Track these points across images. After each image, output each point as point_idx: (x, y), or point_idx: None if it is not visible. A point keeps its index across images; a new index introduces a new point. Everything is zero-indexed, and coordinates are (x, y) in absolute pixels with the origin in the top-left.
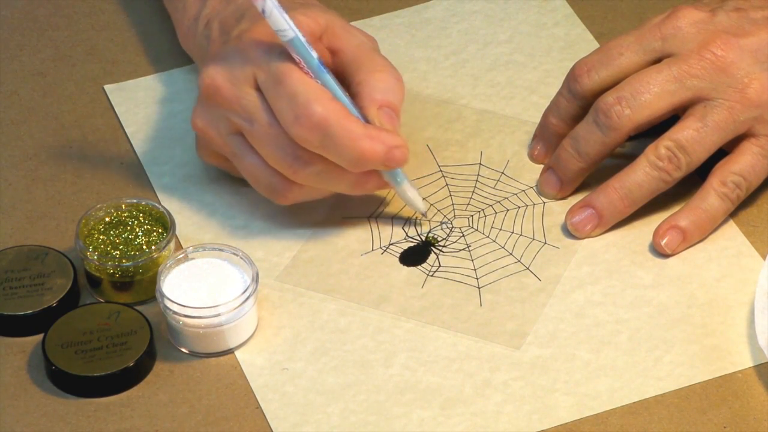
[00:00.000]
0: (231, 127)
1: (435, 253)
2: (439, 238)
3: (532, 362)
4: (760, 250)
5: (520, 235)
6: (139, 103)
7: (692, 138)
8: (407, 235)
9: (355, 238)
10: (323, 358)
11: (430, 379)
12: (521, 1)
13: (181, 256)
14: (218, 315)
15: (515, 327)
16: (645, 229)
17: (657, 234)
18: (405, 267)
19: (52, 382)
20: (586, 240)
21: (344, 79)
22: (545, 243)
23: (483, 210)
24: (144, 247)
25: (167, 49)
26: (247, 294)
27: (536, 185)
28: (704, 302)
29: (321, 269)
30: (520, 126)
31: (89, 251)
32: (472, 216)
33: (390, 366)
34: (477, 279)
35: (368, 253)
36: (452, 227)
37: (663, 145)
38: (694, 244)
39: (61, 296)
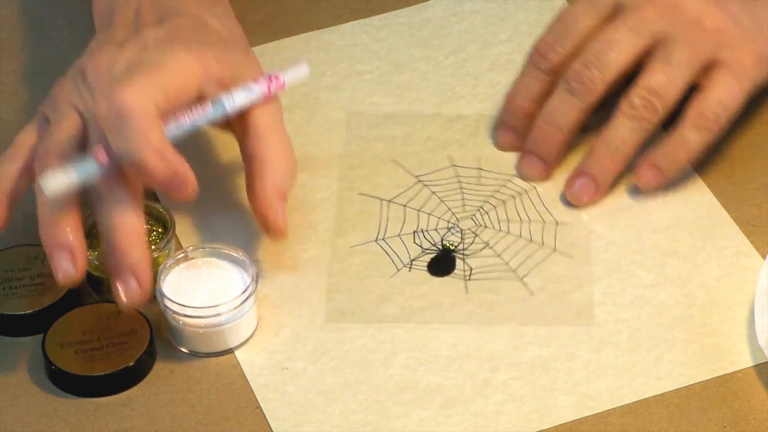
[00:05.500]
0: (81, 105)
1: (459, 258)
2: (456, 243)
3: (532, 362)
4: (760, 250)
5: (530, 221)
6: None
7: (661, 81)
8: (422, 248)
9: (374, 262)
10: (323, 358)
11: (430, 379)
12: (521, 1)
13: (181, 256)
14: (218, 315)
15: (579, 304)
16: (645, 228)
17: (635, 172)
18: (437, 279)
19: (52, 382)
20: (585, 239)
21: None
22: (557, 222)
23: (481, 207)
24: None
25: None
26: (247, 294)
27: (518, 172)
28: (704, 302)
29: (363, 300)
30: (481, 121)
31: (89, 251)
32: (474, 215)
33: (390, 366)
34: (514, 271)
35: (396, 274)
36: (461, 230)
37: (635, 94)
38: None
39: (61, 296)
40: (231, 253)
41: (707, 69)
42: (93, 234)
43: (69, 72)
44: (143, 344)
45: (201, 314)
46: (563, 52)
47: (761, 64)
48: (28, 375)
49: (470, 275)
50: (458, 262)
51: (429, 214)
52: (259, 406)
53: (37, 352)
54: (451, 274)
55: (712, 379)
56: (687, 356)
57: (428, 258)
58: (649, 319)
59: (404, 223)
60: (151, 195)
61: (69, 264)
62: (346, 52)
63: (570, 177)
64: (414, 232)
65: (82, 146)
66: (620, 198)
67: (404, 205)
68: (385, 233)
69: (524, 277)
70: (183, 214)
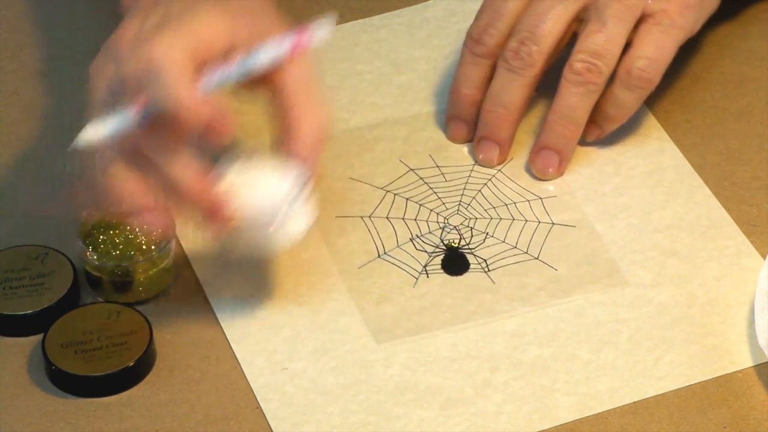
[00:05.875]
0: (115, 77)
1: (467, 253)
2: (457, 240)
3: (532, 362)
4: (760, 250)
5: (514, 202)
6: None
7: (599, 41)
8: (428, 253)
9: (390, 278)
10: (323, 358)
11: (430, 379)
12: None
13: (226, 162)
14: (274, 214)
15: (604, 269)
16: (645, 228)
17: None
18: (459, 277)
19: (52, 382)
20: (583, 236)
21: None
22: (541, 198)
23: (460, 201)
24: (144, 247)
25: None
26: (295, 187)
27: (475, 160)
28: (704, 302)
29: (403, 316)
30: (423, 120)
31: (89, 251)
32: (458, 210)
33: (390, 366)
34: (526, 252)
35: (416, 283)
36: (455, 226)
37: (576, 60)
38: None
39: (61, 296)
40: (274, 157)
41: (639, 22)
42: (93, 234)
43: (98, 56)
44: (143, 344)
45: (257, 213)
46: (497, 34)
47: (688, 12)
48: (28, 375)
49: (488, 267)
50: (470, 258)
51: (415, 220)
52: (259, 406)
53: (37, 352)
54: (470, 270)
55: (712, 379)
56: (687, 356)
57: (438, 261)
58: (649, 319)
59: (396, 234)
60: None
61: (158, 218)
62: (346, 52)
63: (531, 153)
64: (411, 240)
65: None
66: (620, 198)
67: (387, 218)
68: (384, 248)
69: (539, 255)
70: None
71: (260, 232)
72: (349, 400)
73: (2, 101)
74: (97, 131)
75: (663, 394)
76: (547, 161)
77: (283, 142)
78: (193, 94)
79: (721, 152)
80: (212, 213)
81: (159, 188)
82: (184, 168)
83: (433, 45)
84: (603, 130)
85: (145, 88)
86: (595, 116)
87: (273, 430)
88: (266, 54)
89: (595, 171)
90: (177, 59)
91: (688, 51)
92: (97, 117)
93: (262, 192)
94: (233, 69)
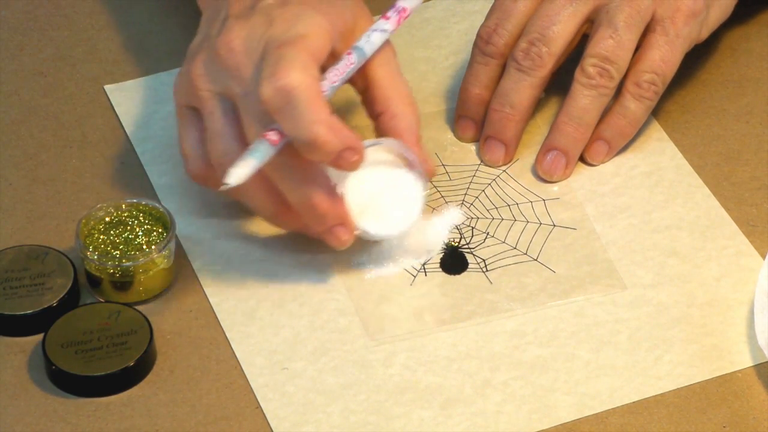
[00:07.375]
0: (225, 88)
1: (467, 253)
2: (457, 239)
3: (532, 362)
4: (760, 249)
5: (517, 203)
6: (139, 103)
7: (610, 46)
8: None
9: (388, 274)
10: (323, 358)
11: (430, 379)
12: None
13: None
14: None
15: (602, 271)
16: (645, 228)
17: (585, 148)
18: (457, 276)
19: (52, 381)
20: (584, 238)
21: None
22: (543, 200)
23: (463, 200)
24: (144, 247)
25: (167, 49)
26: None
27: (481, 159)
28: (704, 302)
29: (398, 314)
30: (424, 121)
31: (89, 251)
32: (460, 210)
33: (390, 366)
34: (526, 253)
35: (414, 281)
36: (456, 225)
37: (588, 64)
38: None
39: (61, 296)
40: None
41: (647, 29)
42: (93, 234)
43: (195, 57)
44: (143, 344)
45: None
46: (507, 35)
47: (693, 20)
48: (28, 375)
49: (486, 267)
50: (469, 257)
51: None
52: (259, 406)
53: (37, 352)
54: (468, 270)
55: (711, 379)
56: (687, 356)
57: (437, 259)
58: (648, 319)
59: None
60: (151, 195)
61: (343, 231)
62: None
63: (539, 154)
64: None
65: (239, 129)
66: (620, 198)
67: None
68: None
69: (538, 256)
70: (183, 214)
71: (387, 227)
72: (349, 400)
73: (2, 101)
74: (243, 170)
75: (663, 394)
76: (554, 162)
77: (388, 131)
78: (329, 121)
79: (721, 152)
80: (341, 225)
81: (289, 203)
82: (318, 189)
83: (433, 45)
84: (611, 147)
85: (282, 116)
86: (604, 133)
87: (273, 430)
88: (375, 39)
89: (594, 171)
90: (310, 85)
91: (688, 52)
92: (240, 154)
93: (385, 187)
94: (348, 68)
